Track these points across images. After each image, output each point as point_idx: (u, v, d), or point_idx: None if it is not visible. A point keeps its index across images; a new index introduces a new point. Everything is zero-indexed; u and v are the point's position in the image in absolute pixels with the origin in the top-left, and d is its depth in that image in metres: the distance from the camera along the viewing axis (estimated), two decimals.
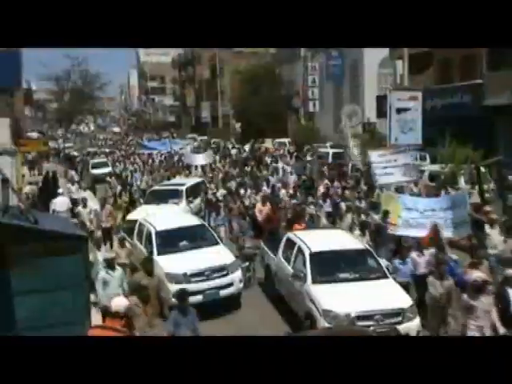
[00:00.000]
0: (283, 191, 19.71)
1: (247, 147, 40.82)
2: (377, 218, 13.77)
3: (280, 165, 27.10)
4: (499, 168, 16.59)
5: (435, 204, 12.76)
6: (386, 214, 13.00)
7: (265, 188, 20.49)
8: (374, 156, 16.18)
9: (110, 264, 10.08)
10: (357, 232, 12.94)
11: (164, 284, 10.89)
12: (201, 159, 29.14)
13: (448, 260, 10.29)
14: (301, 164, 28.01)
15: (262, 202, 16.87)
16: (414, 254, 10.95)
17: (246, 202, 18.82)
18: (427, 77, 29.18)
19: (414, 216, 12.54)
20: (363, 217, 14.31)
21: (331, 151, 31.85)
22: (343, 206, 16.00)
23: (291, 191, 19.70)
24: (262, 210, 16.44)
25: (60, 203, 17.87)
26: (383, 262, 10.91)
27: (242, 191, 20.30)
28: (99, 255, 11.51)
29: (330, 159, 29.63)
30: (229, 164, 31.35)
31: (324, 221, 15.67)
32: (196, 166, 28.56)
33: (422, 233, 11.75)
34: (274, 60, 53.58)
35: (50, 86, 67.77)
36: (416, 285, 10.58)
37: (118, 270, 10.10)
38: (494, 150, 21.39)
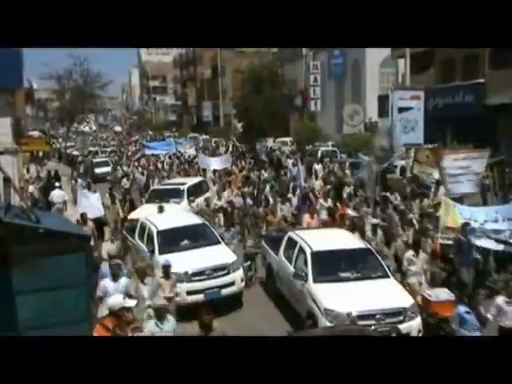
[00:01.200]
0: (321, 200, 17.10)
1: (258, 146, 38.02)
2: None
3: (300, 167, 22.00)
4: (502, 167, 16.48)
5: (498, 213, 11.16)
6: (465, 225, 10.94)
7: (290, 195, 18.41)
8: (448, 160, 13.96)
9: (160, 314, 7.79)
10: (410, 252, 10.94)
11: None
12: (218, 163, 26.14)
13: None
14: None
15: (311, 215, 15.29)
16: (499, 299, 8.32)
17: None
18: (429, 76, 29.17)
19: (474, 226, 11.01)
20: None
21: (321, 149, 31.63)
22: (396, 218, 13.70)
23: (326, 201, 16.94)
24: (310, 223, 14.91)
25: (57, 195, 20.36)
26: (469, 312, 8.24)
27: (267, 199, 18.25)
28: (144, 290, 9.30)
29: (318, 157, 28.91)
30: (247, 168, 28.10)
31: (369, 234, 12.97)
32: (205, 170, 25.99)
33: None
34: (275, 59, 53.48)
35: (52, 85, 67.63)
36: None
37: (170, 322, 7.81)
38: (496, 149, 21.34)
